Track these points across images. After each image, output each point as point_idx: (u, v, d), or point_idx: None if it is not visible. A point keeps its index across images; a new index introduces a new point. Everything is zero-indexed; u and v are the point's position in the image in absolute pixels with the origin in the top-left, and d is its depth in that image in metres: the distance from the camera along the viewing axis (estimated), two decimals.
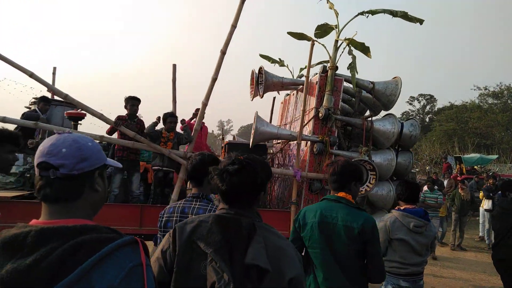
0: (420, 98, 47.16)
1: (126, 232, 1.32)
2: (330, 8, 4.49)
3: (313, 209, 2.25)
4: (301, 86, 5.08)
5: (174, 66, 9.02)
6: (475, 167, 19.60)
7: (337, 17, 4.46)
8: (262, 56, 6.56)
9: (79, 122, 5.52)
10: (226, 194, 1.42)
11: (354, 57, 4.18)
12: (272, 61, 6.50)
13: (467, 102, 37.51)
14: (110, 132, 4.69)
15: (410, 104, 47.46)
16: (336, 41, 4.36)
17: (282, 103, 6.59)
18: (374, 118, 4.53)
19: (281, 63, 6.51)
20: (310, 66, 4.28)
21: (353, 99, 4.85)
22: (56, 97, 8.28)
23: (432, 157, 27.56)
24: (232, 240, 1.30)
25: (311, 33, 4.84)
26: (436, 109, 45.02)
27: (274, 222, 4.34)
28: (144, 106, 5.48)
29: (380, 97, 4.54)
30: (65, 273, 0.83)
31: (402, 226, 2.84)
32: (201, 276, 1.29)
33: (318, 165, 4.22)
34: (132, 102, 4.91)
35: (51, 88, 4.91)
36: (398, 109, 61.02)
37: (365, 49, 4.52)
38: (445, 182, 10.73)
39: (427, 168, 23.38)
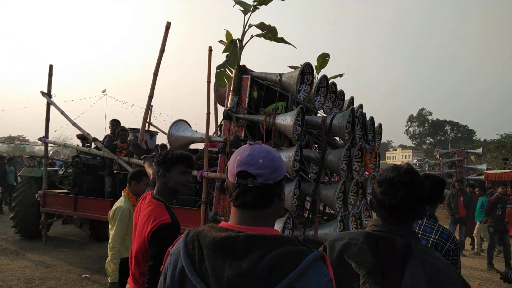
0: None
1: None
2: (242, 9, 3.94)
3: None
4: None
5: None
6: None
7: (245, 15, 3.88)
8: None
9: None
10: (392, 208, 1.20)
11: (231, 54, 3.51)
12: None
13: None
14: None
15: None
16: (238, 39, 3.77)
17: None
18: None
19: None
20: (210, 71, 3.87)
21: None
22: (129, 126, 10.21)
23: None
24: (385, 263, 1.13)
25: None
26: None
27: (186, 219, 4.08)
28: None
29: (287, 88, 3.65)
30: (273, 281, 0.82)
31: None
32: None
33: None
34: (112, 123, 5.67)
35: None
36: None
37: (281, 40, 3.80)
38: None
39: None
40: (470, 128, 54.91)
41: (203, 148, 4.06)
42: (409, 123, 60.88)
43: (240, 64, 3.75)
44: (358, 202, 4.21)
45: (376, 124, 5.05)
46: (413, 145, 62.08)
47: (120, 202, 2.92)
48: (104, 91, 8.95)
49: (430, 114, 58.79)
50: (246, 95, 3.74)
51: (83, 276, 5.16)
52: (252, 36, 3.83)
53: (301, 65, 4.85)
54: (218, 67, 3.49)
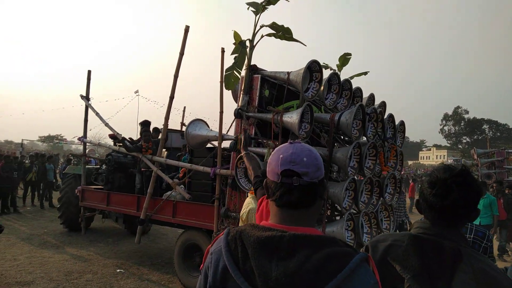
0: None
1: None
2: (253, 10, 3.92)
3: None
4: None
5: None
6: None
7: (256, 15, 3.87)
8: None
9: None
10: (445, 210, 1.12)
11: (239, 56, 3.50)
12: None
13: None
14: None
15: None
16: (248, 40, 3.77)
17: None
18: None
19: (326, 66, 5.91)
20: (223, 71, 3.90)
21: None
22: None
23: None
24: (432, 267, 1.06)
25: None
26: None
27: (203, 214, 4.13)
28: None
29: (294, 85, 3.58)
30: (320, 281, 0.80)
31: None
32: None
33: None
34: (141, 125, 5.93)
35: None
36: None
37: (291, 38, 3.75)
38: None
39: None
40: (510, 127, 50.29)
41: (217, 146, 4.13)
42: (444, 121, 57.25)
43: (251, 64, 3.77)
44: (374, 201, 4.01)
45: (397, 122, 4.80)
46: (448, 145, 58.22)
47: (250, 204, 2.93)
48: (136, 91, 9.30)
49: (467, 112, 54.83)
50: (257, 94, 3.75)
51: (118, 270, 5.30)
52: (262, 36, 3.84)
53: (323, 65, 4.78)
54: (226, 70, 3.54)
